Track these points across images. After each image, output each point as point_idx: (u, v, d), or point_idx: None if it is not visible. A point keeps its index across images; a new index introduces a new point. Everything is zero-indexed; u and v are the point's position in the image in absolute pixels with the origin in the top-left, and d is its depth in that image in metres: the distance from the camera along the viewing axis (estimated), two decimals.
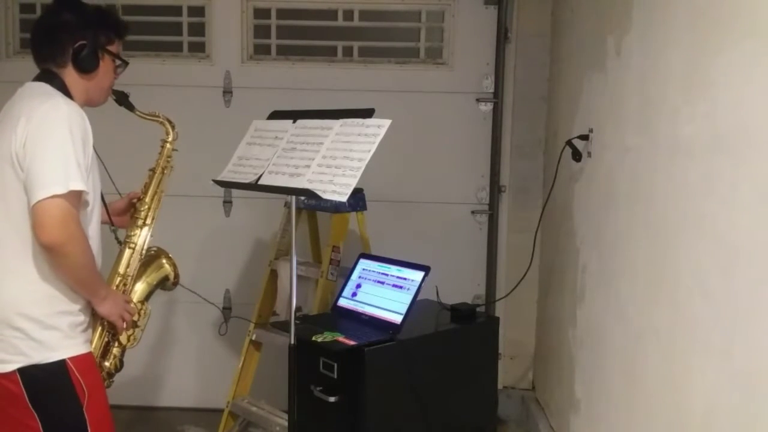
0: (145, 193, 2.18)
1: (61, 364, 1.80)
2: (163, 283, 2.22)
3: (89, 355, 1.89)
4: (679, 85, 1.79)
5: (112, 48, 1.98)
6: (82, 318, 1.87)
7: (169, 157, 2.23)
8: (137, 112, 2.15)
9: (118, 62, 2.01)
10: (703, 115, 1.65)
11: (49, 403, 1.80)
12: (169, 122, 2.24)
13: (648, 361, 1.95)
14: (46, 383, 1.79)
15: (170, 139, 2.23)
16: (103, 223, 2.16)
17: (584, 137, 2.61)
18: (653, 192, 1.95)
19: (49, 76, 1.89)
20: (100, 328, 1.97)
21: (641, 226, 2.04)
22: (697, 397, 1.64)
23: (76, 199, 1.76)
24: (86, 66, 1.91)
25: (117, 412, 3.40)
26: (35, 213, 1.70)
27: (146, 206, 2.16)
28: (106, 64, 1.97)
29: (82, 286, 1.84)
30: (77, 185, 1.73)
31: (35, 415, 1.78)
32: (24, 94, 1.87)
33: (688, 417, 1.69)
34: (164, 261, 2.22)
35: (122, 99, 2.12)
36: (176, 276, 2.24)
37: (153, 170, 2.21)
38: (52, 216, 1.70)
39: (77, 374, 1.81)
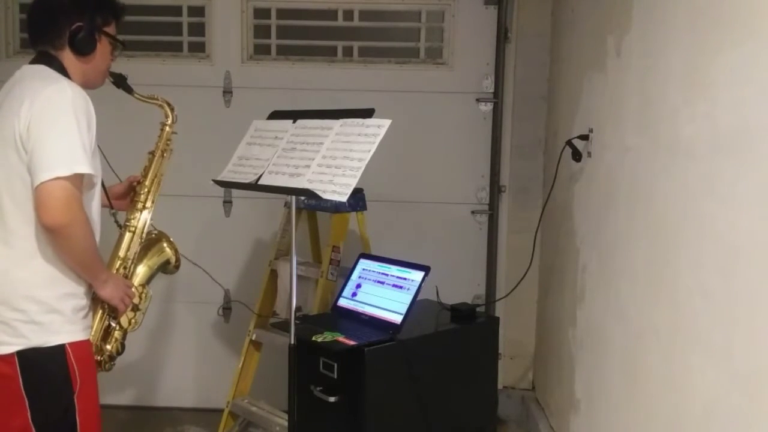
0: (144, 176, 2.18)
1: (60, 348, 1.80)
2: (164, 267, 2.21)
3: (87, 342, 1.89)
4: (679, 85, 1.79)
5: (109, 30, 1.98)
6: (84, 302, 1.88)
7: (168, 140, 2.23)
8: (136, 95, 2.15)
9: (115, 44, 2.00)
10: (703, 115, 1.65)
11: (41, 387, 1.80)
12: (168, 104, 2.24)
13: (648, 361, 1.95)
14: (43, 367, 1.79)
15: (169, 122, 2.23)
16: (102, 206, 2.16)
17: (584, 137, 2.61)
18: (653, 192, 1.95)
19: (47, 59, 1.89)
20: (100, 312, 1.97)
21: (641, 226, 2.04)
22: (697, 397, 1.64)
23: (80, 181, 1.76)
24: (83, 48, 1.90)
25: (117, 412, 3.45)
26: (38, 194, 1.71)
27: (146, 189, 2.16)
28: (103, 46, 1.96)
29: (84, 268, 1.84)
30: (82, 168, 1.73)
31: (25, 399, 1.78)
32: (24, 76, 1.86)
33: (688, 417, 1.69)
34: (165, 245, 2.21)
35: (120, 81, 2.10)
36: (177, 260, 2.24)
37: (152, 153, 2.21)
38: (55, 198, 1.70)
39: (73, 361, 1.81)
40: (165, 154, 2.21)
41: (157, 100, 2.22)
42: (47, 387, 1.81)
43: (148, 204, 2.16)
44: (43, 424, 1.80)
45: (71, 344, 1.82)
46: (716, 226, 1.56)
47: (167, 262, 2.21)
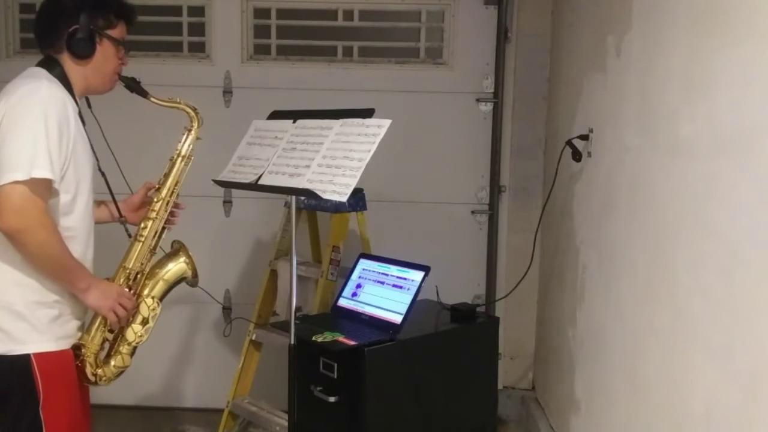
0: (162, 183, 2.07)
1: (25, 358, 1.74)
2: (182, 281, 2.11)
3: (60, 354, 1.81)
4: (679, 85, 1.79)
5: (114, 32, 1.90)
6: (56, 312, 1.80)
7: (190, 145, 2.11)
8: (152, 99, 2.03)
9: (118, 47, 1.91)
10: (702, 115, 1.65)
11: (7, 396, 1.76)
12: (192, 108, 2.11)
13: (648, 361, 1.95)
14: (7, 376, 1.75)
15: (195, 126, 2.11)
16: (114, 221, 2.10)
17: (584, 137, 2.61)
18: (653, 192, 1.95)
19: (49, 63, 1.85)
20: (98, 322, 1.90)
21: (641, 226, 2.04)
22: (697, 397, 1.64)
23: (42, 186, 1.69)
24: (80, 50, 1.84)
25: (117, 412, 3.45)
26: None
27: (161, 197, 2.05)
28: (105, 49, 1.89)
29: (56, 276, 1.77)
30: (41, 173, 1.66)
31: None
32: (19, 76, 1.83)
33: (688, 417, 1.69)
34: (182, 258, 2.10)
35: (133, 85, 2.00)
36: (194, 272, 2.12)
37: (173, 159, 2.11)
38: (11, 203, 1.64)
39: (37, 372, 1.75)
40: (186, 161, 2.11)
41: (179, 103, 2.09)
42: (12, 396, 1.76)
43: (161, 213, 2.05)
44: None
45: (37, 355, 1.75)
46: (716, 226, 1.56)
47: (183, 276, 2.10)
